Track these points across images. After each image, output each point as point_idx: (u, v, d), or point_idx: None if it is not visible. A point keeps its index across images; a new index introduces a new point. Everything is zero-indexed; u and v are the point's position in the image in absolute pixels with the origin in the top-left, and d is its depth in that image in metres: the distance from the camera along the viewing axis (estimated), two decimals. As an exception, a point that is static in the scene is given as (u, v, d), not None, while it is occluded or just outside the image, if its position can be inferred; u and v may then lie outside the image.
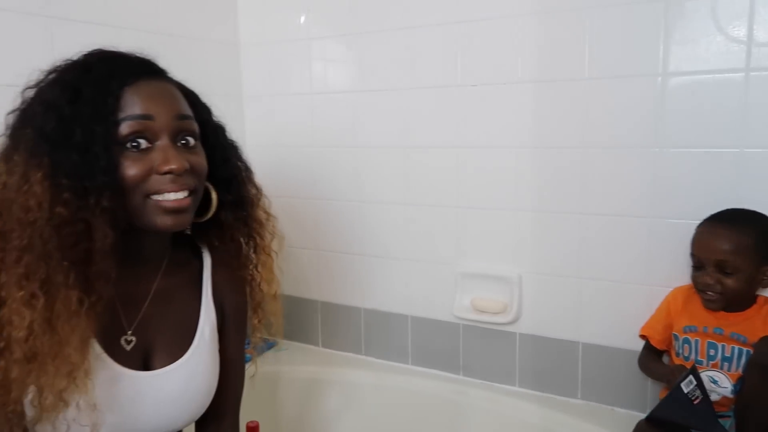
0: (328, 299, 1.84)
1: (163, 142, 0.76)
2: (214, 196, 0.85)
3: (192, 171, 0.78)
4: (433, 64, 1.56)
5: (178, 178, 0.76)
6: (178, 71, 0.85)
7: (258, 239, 0.91)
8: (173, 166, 0.74)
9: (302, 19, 1.74)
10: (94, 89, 0.74)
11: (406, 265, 1.68)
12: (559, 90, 1.41)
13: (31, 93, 0.76)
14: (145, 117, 0.75)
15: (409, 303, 1.70)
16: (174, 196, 0.76)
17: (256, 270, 0.92)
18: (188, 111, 0.81)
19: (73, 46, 0.81)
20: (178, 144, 0.78)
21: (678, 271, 1.32)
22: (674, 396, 1.12)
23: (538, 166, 1.47)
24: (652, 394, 1.39)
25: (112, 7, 1.44)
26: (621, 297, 1.41)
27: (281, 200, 1.85)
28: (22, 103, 0.76)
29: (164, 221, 0.76)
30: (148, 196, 0.76)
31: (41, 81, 0.77)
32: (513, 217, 1.51)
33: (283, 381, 1.74)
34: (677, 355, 1.29)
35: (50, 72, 0.77)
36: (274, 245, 0.93)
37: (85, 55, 0.79)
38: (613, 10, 1.33)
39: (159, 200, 0.76)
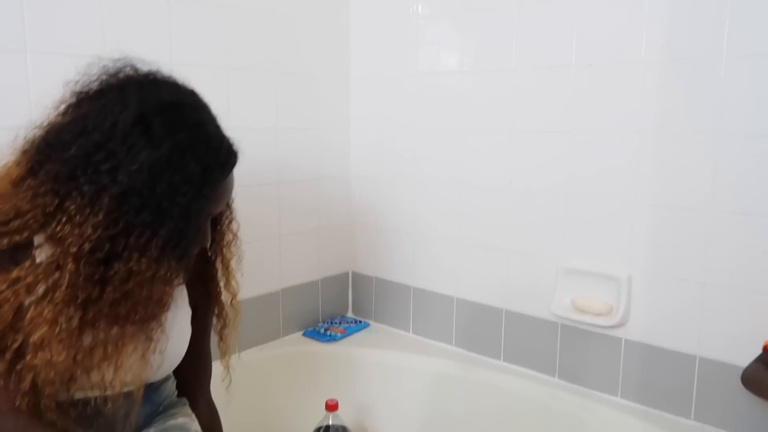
0: (421, 286, 1.79)
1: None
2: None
3: None
4: (544, 44, 1.45)
5: None
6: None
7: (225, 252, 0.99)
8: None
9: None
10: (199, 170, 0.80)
11: (504, 256, 1.59)
12: (690, 71, 1.25)
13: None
14: (211, 215, 0.87)
15: (504, 296, 1.61)
16: None
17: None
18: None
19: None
20: None
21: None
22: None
23: (661, 156, 1.31)
24: (783, 424, 1.20)
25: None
26: (751, 308, 1.22)
27: (374, 183, 1.84)
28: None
29: None
30: None
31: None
32: (627, 211, 1.37)
33: (367, 363, 1.72)
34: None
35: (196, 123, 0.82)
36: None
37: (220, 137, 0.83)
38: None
39: None
